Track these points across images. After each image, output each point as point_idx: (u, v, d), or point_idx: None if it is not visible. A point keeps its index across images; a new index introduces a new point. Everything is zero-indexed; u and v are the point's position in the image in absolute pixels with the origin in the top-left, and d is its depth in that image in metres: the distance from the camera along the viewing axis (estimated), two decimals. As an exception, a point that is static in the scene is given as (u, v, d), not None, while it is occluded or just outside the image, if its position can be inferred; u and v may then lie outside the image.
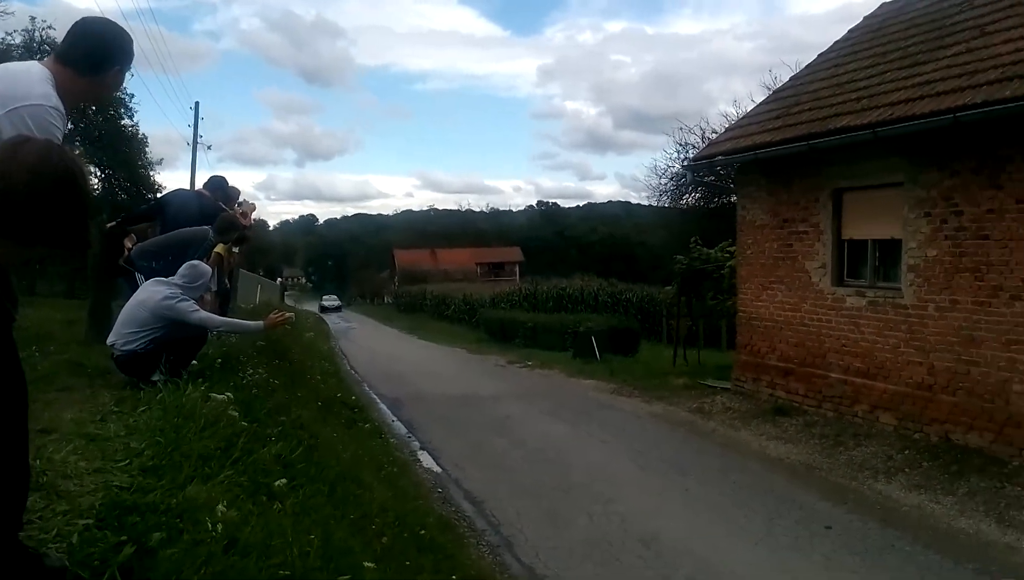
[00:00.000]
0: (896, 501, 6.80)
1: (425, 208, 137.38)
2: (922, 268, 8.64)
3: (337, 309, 61.89)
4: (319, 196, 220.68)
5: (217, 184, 8.75)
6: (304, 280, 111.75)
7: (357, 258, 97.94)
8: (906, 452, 8.04)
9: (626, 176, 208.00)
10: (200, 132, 34.47)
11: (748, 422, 9.95)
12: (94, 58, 2.61)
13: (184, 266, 5.85)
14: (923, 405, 8.51)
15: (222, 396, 4.63)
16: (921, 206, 8.67)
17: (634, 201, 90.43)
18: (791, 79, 13.03)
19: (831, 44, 12.55)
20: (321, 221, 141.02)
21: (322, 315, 46.75)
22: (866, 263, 9.68)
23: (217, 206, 8.25)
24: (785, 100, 11.62)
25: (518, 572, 5.36)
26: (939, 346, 8.39)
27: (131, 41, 2.77)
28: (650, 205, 44.32)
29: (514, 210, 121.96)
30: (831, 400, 9.85)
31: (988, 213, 7.88)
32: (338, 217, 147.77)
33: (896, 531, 6.02)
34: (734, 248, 13.30)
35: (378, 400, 12.51)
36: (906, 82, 9.07)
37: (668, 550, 5.62)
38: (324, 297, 71.38)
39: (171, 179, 72.10)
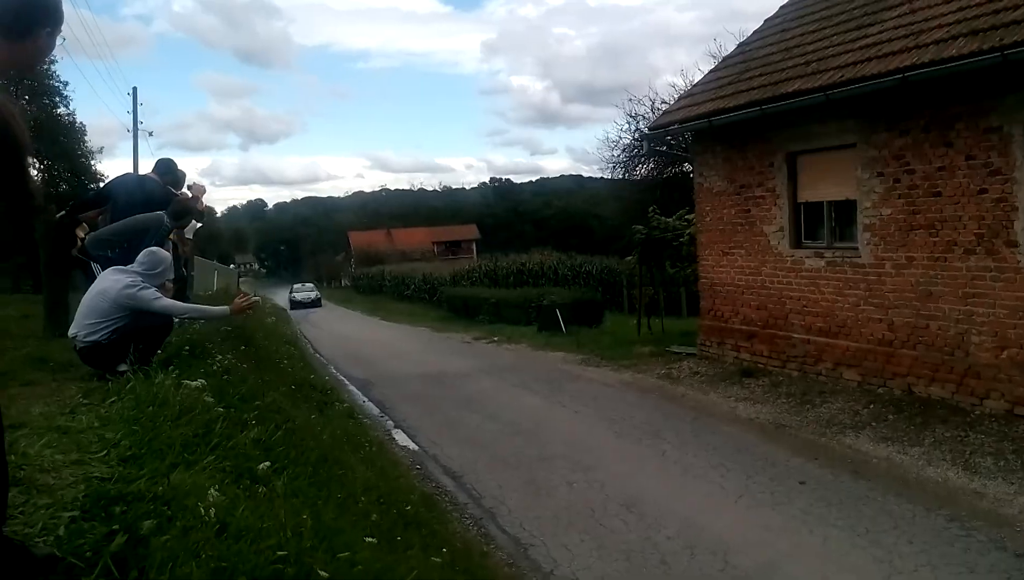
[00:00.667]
0: (865, 454, 6.99)
1: (377, 189, 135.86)
2: (878, 227, 8.82)
3: (314, 303, 43.70)
4: (266, 180, 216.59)
5: (166, 167, 8.50)
6: (257, 266, 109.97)
7: (310, 241, 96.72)
8: (871, 406, 8.25)
9: (577, 150, 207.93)
10: (140, 118, 33.37)
11: (716, 385, 10.10)
12: (22, 20, 2.41)
13: (143, 253, 5.70)
14: (885, 360, 8.74)
15: (195, 383, 4.53)
16: (874, 166, 8.83)
17: (586, 174, 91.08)
18: (739, 46, 13.13)
19: (777, 9, 12.64)
20: (270, 206, 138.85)
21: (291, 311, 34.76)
22: (823, 224, 9.85)
23: (166, 190, 8.04)
24: (736, 67, 11.70)
25: (504, 542, 5.38)
26: (898, 302, 8.60)
27: None
28: (603, 177, 44.56)
29: (467, 188, 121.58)
30: (795, 360, 10.05)
31: (939, 170, 8.06)
32: (288, 201, 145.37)
33: (868, 483, 6.19)
34: (692, 216, 13.41)
35: (347, 382, 12.40)
36: (854, 44, 9.18)
37: (650, 513, 5.69)
38: (295, 286, 50.81)
39: (112, 168, 69.63)
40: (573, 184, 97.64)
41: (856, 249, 9.17)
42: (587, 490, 6.28)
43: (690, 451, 7.29)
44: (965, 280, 7.85)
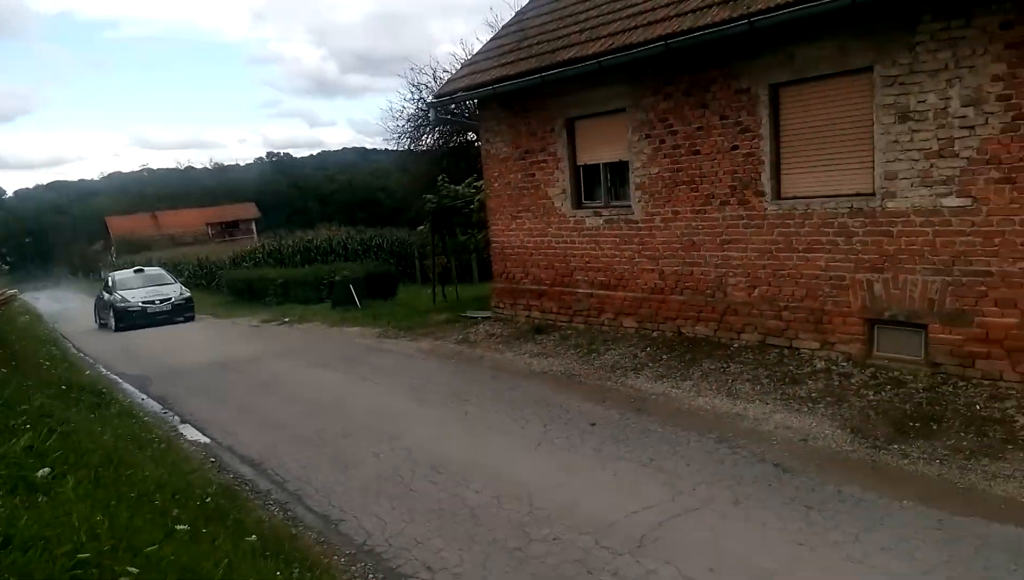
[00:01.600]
0: (645, 392, 7.69)
1: (138, 169, 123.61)
2: (647, 185, 9.59)
3: (179, 311, 20.47)
4: (3, 164, 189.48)
5: None
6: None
7: (62, 231, 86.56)
8: (648, 349, 9.04)
9: (359, 121, 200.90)
10: None
11: (511, 344, 10.53)
12: None
13: None
14: (657, 306, 9.58)
15: (-57, 391, 3.99)
16: (642, 129, 9.55)
17: (370, 146, 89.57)
18: (517, 13, 13.49)
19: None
20: (10, 193, 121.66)
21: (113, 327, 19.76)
22: (600, 185, 10.52)
23: None
24: (515, 34, 12.01)
25: (312, 522, 5.29)
26: (666, 253, 9.44)
27: None
28: (387, 149, 44.12)
29: (242, 164, 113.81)
30: (581, 314, 10.72)
31: (698, 131, 8.89)
32: (31, 186, 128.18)
33: (649, 417, 6.84)
34: (481, 183, 13.72)
35: (120, 380, 11.36)
36: (622, 13, 9.74)
37: (458, 471, 5.86)
38: (117, 277, 22.31)
39: None
40: (357, 157, 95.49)
41: (630, 207, 9.90)
42: (394, 458, 6.34)
43: (490, 408, 7.58)
44: (722, 228, 8.77)
